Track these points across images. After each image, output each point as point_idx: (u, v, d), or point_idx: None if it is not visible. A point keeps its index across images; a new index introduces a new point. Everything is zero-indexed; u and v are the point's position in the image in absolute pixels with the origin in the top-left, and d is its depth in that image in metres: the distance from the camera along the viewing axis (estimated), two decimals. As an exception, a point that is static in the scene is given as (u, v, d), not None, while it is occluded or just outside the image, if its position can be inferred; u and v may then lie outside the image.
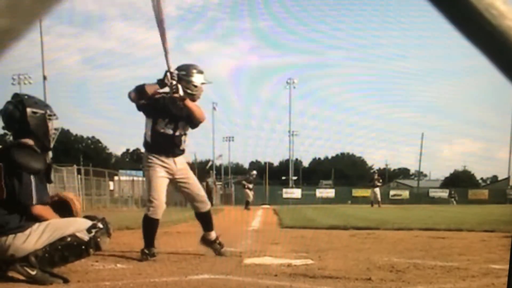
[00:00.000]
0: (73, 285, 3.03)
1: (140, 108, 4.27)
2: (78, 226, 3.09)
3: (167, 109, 4.27)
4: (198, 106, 4.35)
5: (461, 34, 0.52)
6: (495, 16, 0.51)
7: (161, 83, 4.20)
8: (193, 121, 4.37)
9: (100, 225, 3.14)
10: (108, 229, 3.20)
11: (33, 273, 2.97)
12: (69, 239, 3.03)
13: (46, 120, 3.22)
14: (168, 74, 4.17)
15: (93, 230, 3.10)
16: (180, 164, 4.37)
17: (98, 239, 3.10)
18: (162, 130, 4.29)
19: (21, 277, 2.99)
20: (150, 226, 4.27)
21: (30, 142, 3.14)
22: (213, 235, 4.51)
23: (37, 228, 2.99)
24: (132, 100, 4.20)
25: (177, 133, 4.33)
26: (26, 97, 3.24)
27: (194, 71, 4.34)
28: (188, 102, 4.24)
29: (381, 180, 25.98)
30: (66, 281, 3.05)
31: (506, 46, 0.52)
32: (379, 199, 23.51)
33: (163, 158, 4.28)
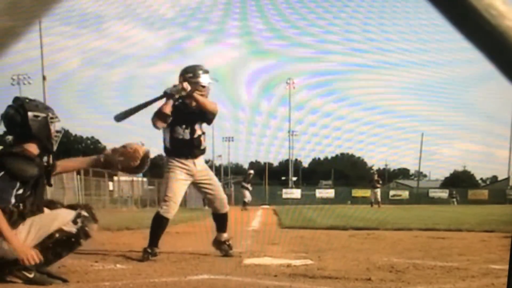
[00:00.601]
0: (72, 285, 3.02)
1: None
2: (62, 219, 3.07)
3: (181, 115, 4.32)
4: (208, 99, 4.39)
5: (461, 34, 0.52)
6: (494, 16, 0.51)
7: (168, 95, 4.25)
8: (207, 116, 4.41)
9: (84, 213, 3.13)
10: (93, 214, 3.19)
11: (31, 276, 2.96)
12: (57, 235, 3.02)
13: (48, 123, 3.22)
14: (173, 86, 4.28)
15: (79, 220, 3.09)
16: (199, 166, 4.42)
17: (86, 228, 3.10)
18: (180, 137, 4.35)
19: (19, 281, 2.99)
20: (159, 225, 4.29)
21: (30, 147, 3.12)
22: (225, 236, 4.53)
23: (21, 229, 2.97)
24: (160, 127, 4.29)
25: (195, 136, 4.39)
26: (27, 100, 3.23)
27: (200, 71, 4.37)
28: (197, 95, 4.28)
29: (380, 182, 26.02)
30: (65, 281, 3.04)
31: (506, 46, 0.52)
32: (379, 200, 23.57)
33: (182, 160, 4.33)
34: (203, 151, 4.46)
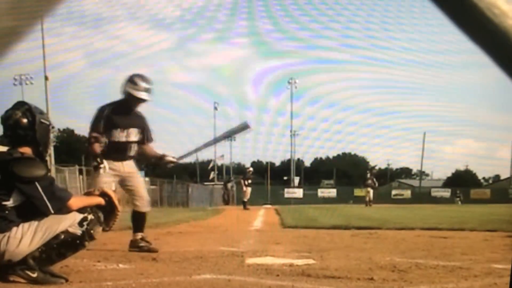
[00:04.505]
0: (75, 285, 3.03)
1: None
2: (68, 221, 3.09)
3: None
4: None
5: (463, 33, 0.52)
6: (497, 15, 0.51)
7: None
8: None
9: (90, 216, 3.16)
10: (99, 217, 3.22)
11: (34, 275, 2.98)
12: (62, 236, 3.04)
13: (49, 131, 3.27)
14: None
15: (85, 223, 3.11)
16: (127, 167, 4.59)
17: (91, 231, 3.13)
18: (116, 140, 4.49)
19: (23, 280, 2.99)
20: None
21: (26, 150, 3.14)
22: (140, 234, 4.62)
23: (28, 229, 2.99)
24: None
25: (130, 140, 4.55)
26: (33, 106, 3.28)
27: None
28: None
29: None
30: (67, 280, 3.06)
31: (508, 44, 0.52)
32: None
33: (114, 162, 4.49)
34: (132, 157, 4.64)
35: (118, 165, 4.51)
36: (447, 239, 5.89)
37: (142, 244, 4.51)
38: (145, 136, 4.67)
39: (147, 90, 4.52)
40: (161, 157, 4.72)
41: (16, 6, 0.44)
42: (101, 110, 4.50)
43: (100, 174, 4.37)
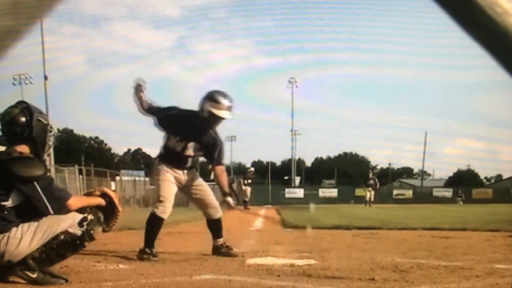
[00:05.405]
0: (75, 285, 3.03)
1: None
2: (68, 221, 3.08)
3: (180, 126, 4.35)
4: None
5: (464, 31, 0.52)
6: (498, 14, 0.51)
7: None
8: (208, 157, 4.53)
9: (90, 216, 3.15)
10: (99, 218, 3.21)
11: (34, 276, 2.98)
12: (62, 236, 3.04)
13: (47, 131, 3.24)
14: None
15: (85, 223, 3.10)
16: (188, 174, 4.44)
17: (91, 231, 3.12)
18: (171, 147, 4.37)
19: (22, 281, 2.99)
20: (156, 226, 4.31)
21: (23, 149, 3.13)
22: (220, 241, 4.52)
23: (27, 230, 2.98)
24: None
25: (186, 153, 4.37)
26: (32, 105, 3.27)
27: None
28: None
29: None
30: (67, 281, 3.05)
31: (510, 43, 0.51)
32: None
33: (172, 167, 4.36)
34: (190, 167, 4.49)
35: (179, 172, 4.38)
36: (449, 239, 5.88)
37: (223, 250, 4.44)
38: (210, 157, 4.47)
39: (229, 108, 4.32)
40: (224, 194, 4.58)
41: (15, 5, 0.44)
42: (171, 107, 4.39)
43: (140, 91, 4.28)
